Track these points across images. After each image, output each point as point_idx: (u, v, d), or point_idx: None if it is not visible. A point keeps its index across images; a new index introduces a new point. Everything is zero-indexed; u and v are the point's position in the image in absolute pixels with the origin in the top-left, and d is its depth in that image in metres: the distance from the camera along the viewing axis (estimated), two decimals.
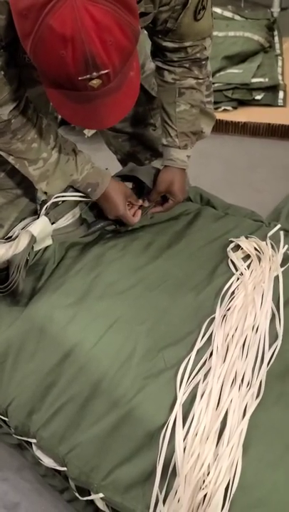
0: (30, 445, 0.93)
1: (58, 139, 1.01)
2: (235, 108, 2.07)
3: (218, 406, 0.81)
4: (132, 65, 0.75)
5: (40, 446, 0.90)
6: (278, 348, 0.89)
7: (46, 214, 1.04)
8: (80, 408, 0.88)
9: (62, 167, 1.00)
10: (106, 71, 0.69)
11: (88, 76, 0.69)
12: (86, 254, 1.09)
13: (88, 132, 2.12)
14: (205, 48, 1.00)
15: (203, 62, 1.03)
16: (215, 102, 2.08)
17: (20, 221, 1.35)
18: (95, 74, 0.69)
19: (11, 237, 1.17)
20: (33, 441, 0.90)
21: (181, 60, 1.01)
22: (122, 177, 1.17)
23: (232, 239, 1.13)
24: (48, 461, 0.89)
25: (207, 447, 0.77)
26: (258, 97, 2.06)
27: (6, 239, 1.15)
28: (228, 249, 1.10)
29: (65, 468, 0.86)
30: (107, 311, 0.96)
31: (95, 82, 0.70)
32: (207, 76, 1.08)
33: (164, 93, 1.07)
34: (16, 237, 1.10)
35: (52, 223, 1.04)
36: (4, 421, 0.96)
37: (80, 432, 0.86)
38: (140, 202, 1.13)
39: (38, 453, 0.91)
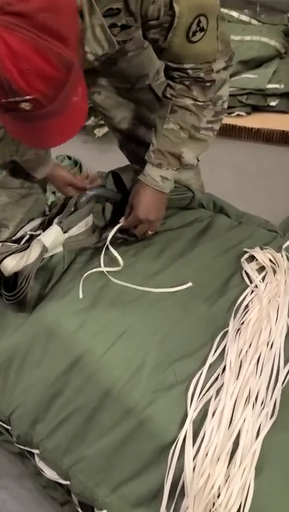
0: (32, 455, 0.90)
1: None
2: (248, 114, 2.04)
3: (230, 425, 0.78)
4: (74, 91, 0.75)
5: (43, 458, 0.87)
6: None
7: (59, 223, 1.02)
8: (87, 420, 0.85)
9: (3, 145, 1.04)
10: (31, 97, 0.69)
11: (12, 99, 0.69)
12: (95, 259, 1.06)
13: (98, 132, 2.10)
14: (212, 70, 0.93)
15: (208, 84, 0.95)
16: (228, 107, 2.07)
17: (28, 222, 1.34)
18: (18, 98, 0.69)
19: (19, 239, 1.15)
20: (36, 451, 0.88)
21: (182, 77, 0.95)
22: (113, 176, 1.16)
23: (246, 249, 1.10)
24: (50, 474, 0.86)
25: (218, 468, 0.74)
26: (273, 104, 2.02)
27: (13, 241, 1.13)
28: (242, 259, 1.07)
29: (68, 482, 0.83)
30: (118, 320, 0.93)
31: (25, 105, 0.70)
32: (210, 100, 0.98)
33: (160, 106, 1.03)
34: (25, 241, 1.08)
35: (64, 232, 1.02)
36: (6, 429, 0.93)
37: (85, 445, 0.83)
38: (81, 182, 1.16)
39: (41, 464, 0.88)
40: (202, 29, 0.85)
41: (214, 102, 0.99)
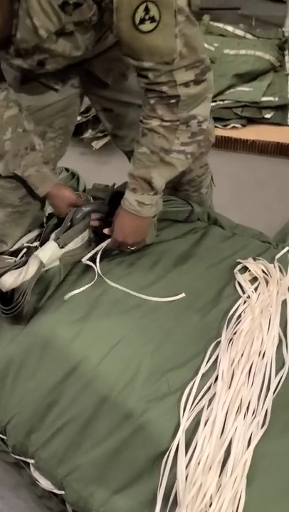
0: (28, 465, 0.91)
1: (17, 133, 1.06)
2: (244, 126, 2.07)
3: (222, 434, 0.79)
4: None
5: (38, 468, 0.88)
6: (285, 375, 0.87)
7: (56, 239, 1.04)
8: (81, 429, 0.86)
9: (9, 160, 1.08)
10: None
11: None
12: (91, 271, 1.08)
13: (96, 144, 2.12)
14: (174, 82, 0.87)
15: (173, 101, 0.89)
16: (224, 119, 2.12)
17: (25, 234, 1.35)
18: None
19: (16, 252, 1.17)
20: (31, 461, 0.88)
21: (147, 90, 0.90)
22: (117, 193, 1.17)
23: (239, 260, 1.11)
24: (45, 483, 0.87)
25: (210, 477, 0.75)
26: (268, 116, 2.06)
27: (11, 253, 1.15)
28: (236, 270, 1.09)
29: (62, 492, 0.83)
30: (112, 330, 0.95)
31: None
32: (178, 120, 0.91)
33: (138, 130, 0.98)
34: (22, 254, 1.10)
35: (61, 247, 1.03)
36: (2, 439, 0.94)
37: (80, 454, 0.84)
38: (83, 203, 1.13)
39: (36, 474, 0.88)
40: (152, 19, 0.79)
41: (186, 122, 0.92)
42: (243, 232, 1.26)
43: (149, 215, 1.04)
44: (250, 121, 2.08)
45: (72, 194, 1.14)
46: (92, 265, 1.05)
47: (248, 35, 2.40)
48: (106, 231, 1.08)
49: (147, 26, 0.80)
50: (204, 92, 0.91)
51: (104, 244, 1.07)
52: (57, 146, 1.25)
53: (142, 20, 0.79)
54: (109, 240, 1.07)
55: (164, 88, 0.88)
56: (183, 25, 0.83)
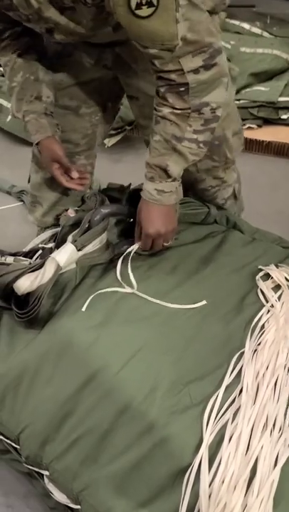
0: (42, 476, 0.88)
1: (27, 79, 1.10)
2: (260, 126, 2.03)
3: (247, 451, 0.76)
4: None
5: (53, 480, 0.85)
6: None
7: (74, 241, 1.00)
8: (99, 441, 0.82)
9: (14, 102, 1.13)
10: None
11: None
12: (109, 275, 1.04)
13: (108, 142, 2.09)
14: (182, 70, 0.85)
15: (182, 89, 0.87)
16: None
17: (43, 229, 1.34)
18: None
19: (30, 253, 1.14)
20: (45, 473, 0.85)
21: (158, 79, 0.89)
22: (135, 193, 1.14)
23: (261, 267, 1.08)
24: (60, 496, 0.84)
25: (235, 496, 0.72)
26: (284, 117, 2.02)
27: (24, 256, 1.12)
28: (258, 277, 1.06)
29: (78, 507, 0.80)
30: (132, 338, 0.91)
31: None
32: (190, 108, 0.89)
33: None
34: (37, 256, 1.07)
35: (78, 250, 1.00)
36: (15, 448, 0.91)
37: (97, 468, 0.81)
38: (69, 164, 1.13)
39: (50, 486, 0.85)
40: (150, 4, 0.78)
41: (198, 110, 0.90)
42: (262, 237, 1.22)
43: (170, 203, 1.02)
44: (266, 121, 2.04)
45: (60, 151, 1.12)
46: (118, 273, 1.01)
47: (265, 34, 2.35)
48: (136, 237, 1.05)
49: (145, 11, 0.78)
50: (217, 76, 0.88)
51: (135, 247, 1.04)
52: (94, 122, 1.25)
53: (139, 5, 0.78)
54: (135, 245, 1.04)
55: (173, 76, 0.87)
56: (186, 10, 0.81)
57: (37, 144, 1.14)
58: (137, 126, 1.31)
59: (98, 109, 1.24)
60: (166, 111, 0.91)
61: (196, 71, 0.86)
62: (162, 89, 0.90)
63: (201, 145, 0.96)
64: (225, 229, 1.24)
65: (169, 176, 0.98)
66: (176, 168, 0.97)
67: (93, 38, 1.00)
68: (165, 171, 0.97)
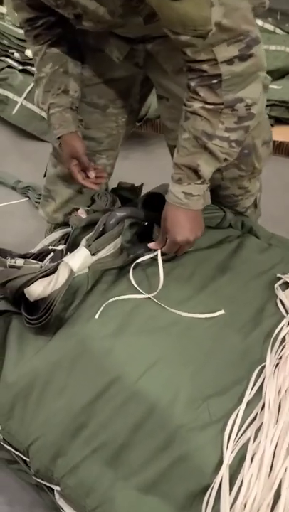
0: (52, 490, 0.85)
1: (55, 71, 1.08)
2: (271, 126, 1.98)
3: (270, 473, 0.73)
4: None
5: (64, 495, 0.81)
6: None
7: (88, 246, 0.96)
8: (113, 457, 0.79)
9: (40, 93, 1.12)
10: None
11: None
12: (123, 280, 1.00)
13: None
14: (215, 60, 0.78)
15: (214, 81, 0.81)
16: None
17: (53, 227, 1.29)
18: None
19: (40, 255, 1.10)
20: (56, 488, 0.82)
21: (189, 71, 0.83)
22: (152, 195, 1.11)
23: (280, 275, 1.05)
24: None
25: None
26: None
27: (34, 258, 1.08)
28: (276, 286, 1.02)
29: None
30: (148, 348, 0.88)
31: None
32: (222, 103, 0.83)
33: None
34: (49, 259, 1.03)
35: (92, 254, 0.96)
36: (24, 460, 0.87)
37: (111, 485, 0.77)
38: (88, 163, 1.11)
39: (61, 502, 0.82)
40: None
41: (231, 106, 0.84)
42: (279, 243, 1.19)
43: (198, 208, 0.96)
44: (278, 121, 2.00)
45: (81, 148, 1.11)
46: (131, 279, 0.98)
47: (278, 30, 2.30)
48: (152, 245, 1.01)
49: None
50: (253, 69, 0.81)
51: (154, 254, 1.00)
52: (120, 123, 1.22)
53: None
54: (154, 252, 1.00)
55: (205, 66, 0.80)
56: None
57: (58, 137, 1.11)
58: (162, 127, 1.24)
59: (125, 110, 1.21)
60: (197, 105, 0.85)
61: (230, 61, 0.79)
62: (193, 83, 0.84)
63: (233, 144, 0.89)
64: (240, 233, 1.20)
65: (199, 177, 0.92)
66: (207, 168, 0.91)
67: (123, 30, 0.96)
68: (196, 171, 0.91)
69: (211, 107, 0.84)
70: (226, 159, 0.91)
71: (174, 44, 0.82)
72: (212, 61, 0.79)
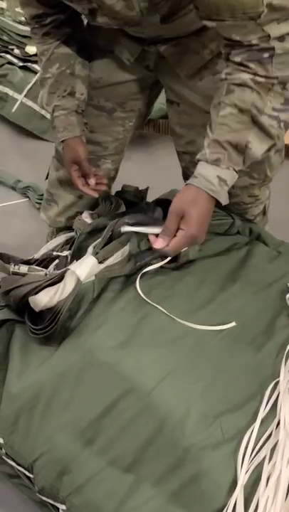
0: (57, 509, 0.81)
1: (62, 72, 1.05)
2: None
3: (287, 495, 0.70)
4: None
5: None
6: None
7: (95, 254, 0.93)
8: (122, 475, 0.76)
9: (45, 94, 1.08)
10: None
11: None
12: (130, 289, 0.97)
13: None
14: (269, 37, 0.73)
15: (266, 55, 0.74)
16: None
17: (55, 230, 1.24)
18: None
19: (44, 260, 1.07)
20: (62, 507, 0.79)
21: (229, 46, 0.77)
22: (159, 202, 1.08)
23: None
24: None
25: None
26: None
27: (38, 264, 1.04)
28: (288, 296, 1.00)
29: None
30: (157, 362, 0.85)
31: None
32: (276, 78, 0.76)
33: (216, 93, 0.83)
34: (54, 266, 1.00)
35: (99, 262, 0.93)
36: (28, 476, 0.84)
37: (120, 505, 0.74)
38: (89, 169, 1.08)
39: None
40: None
41: (283, 83, 0.76)
42: (288, 251, 1.16)
43: (225, 202, 0.84)
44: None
45: (83, 154, 1.08)
46: (138, 288, 0.94)
47: None
48: (156, 244, 0.87)
49: None
50: None
51: (161, 262, 0.96)
52: (127, 127, 1.19)
53: None
54: (161, 262, 0.96)
55: (255, 41, 0.74)
56: None
57: (62, 141, 1.08)
58: (171, 132, 1.21)
59: (132, 114, 1.17)
60: (245, 76, 0.76)
61: (281, 38, 0.73)
62: (238, 58, 0.76)
63: (282, 125, 0.79)
64: (248, 240, 1.17)
65: (247, 159, 0.80)
66: (259, 145, 0.79)
67: (137, 29, 0.92)
68: (243, 150, 0.79)
69: (262, 80, 0.76)
70: (278, 138, 0.80)
71: (189, 46, 0.78)
72: (264, 38, 0.74)
